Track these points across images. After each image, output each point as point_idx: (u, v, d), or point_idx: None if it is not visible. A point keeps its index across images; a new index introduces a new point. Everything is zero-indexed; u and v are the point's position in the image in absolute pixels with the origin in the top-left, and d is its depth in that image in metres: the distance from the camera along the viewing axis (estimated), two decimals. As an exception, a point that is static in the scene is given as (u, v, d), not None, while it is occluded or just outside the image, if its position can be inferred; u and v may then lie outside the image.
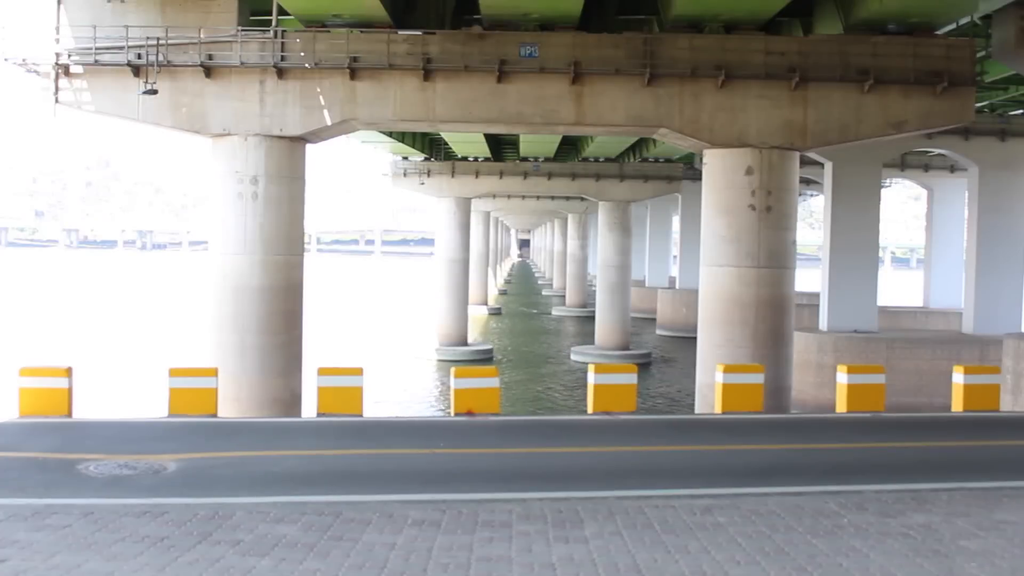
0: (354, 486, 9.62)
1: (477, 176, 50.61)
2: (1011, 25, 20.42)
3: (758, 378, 15.08)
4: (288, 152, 21.57)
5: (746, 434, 13.13)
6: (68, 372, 13.37)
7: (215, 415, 13.95)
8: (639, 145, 47.13)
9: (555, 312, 76.52)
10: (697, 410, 22.65)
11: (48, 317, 63.10)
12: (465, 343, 48.89)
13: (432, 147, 48.95)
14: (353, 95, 21.23)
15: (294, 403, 21.79)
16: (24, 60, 20.81)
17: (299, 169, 22.01)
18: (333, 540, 7.24)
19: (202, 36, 20.68)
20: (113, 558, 6.67)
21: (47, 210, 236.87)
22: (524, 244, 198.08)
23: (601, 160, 50.85)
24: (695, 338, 23.17)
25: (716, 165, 21.99)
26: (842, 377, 15.14)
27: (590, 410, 14.38)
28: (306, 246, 23.95)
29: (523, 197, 66.98)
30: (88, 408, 15.55)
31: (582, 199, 64.70)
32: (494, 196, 61.89)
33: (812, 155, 31.84)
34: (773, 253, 21.59)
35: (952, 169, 45.05)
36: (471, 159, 50.85)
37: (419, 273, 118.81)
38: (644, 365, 43.23)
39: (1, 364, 24.84)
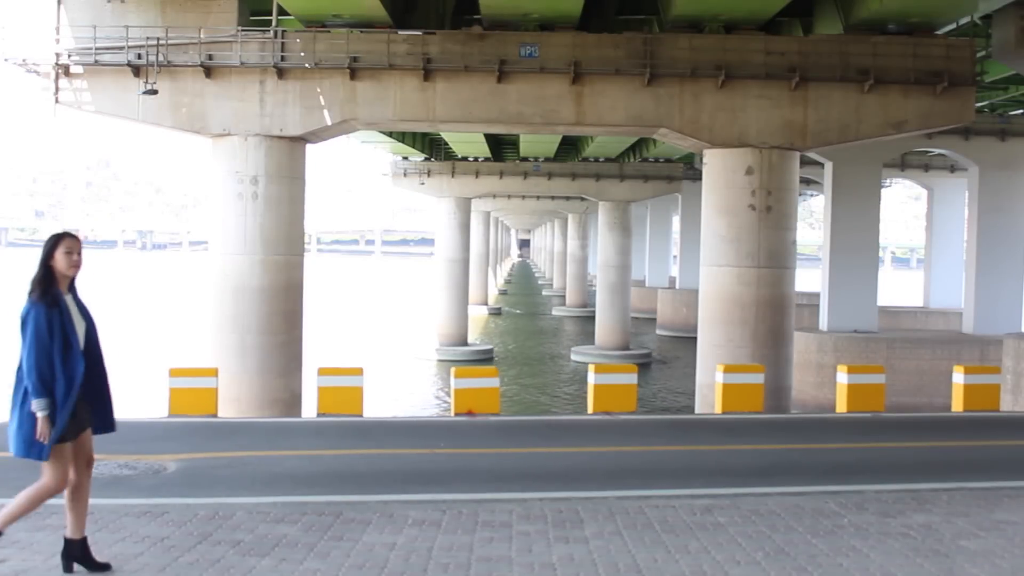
0: (354, 486, 9.62)
1: (477, 176, 50.60)
2: (1011, 25, 20.42)
3: (758, 378, 15.09)
4: (288, 152, 21.57)
5: (746, 434, 13.13)
6: (68, 372, 13.35)
7: (215, 415, 13.96)
8: (639, 145, 47.12)
9: (555, 312, 76.52)
10: (697, 410, 22.64)
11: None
12: (465, 343, 48.88)
13: (432, 147, 48.94)
14: (353, 95, 21.24)
15: (294, 403, 21.80)
16: (24, 60, 20.82)
17: (299, 169, 22.01)
18: (333, 540, 7.25)
19: (202, 36, 20.69)
20: (113, 558, 6.67)
21: (47, 210, 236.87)
22: (524, 244, 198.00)
23: (601, 160, 50.84)
24: (695, 338, 23.17)
25: (716, 165, 21.99)
26: (842, 377, 15.15)
27: (590, 410, 14.39)
28: (306, 246, 23.95)
29: (523, 197, 66.95)
30: (88, 408, 15.52)
31: (582, 199, 64.68)
32: (494, 196, 61.87)
33: (812, 155, 31.85)
34: (773, 253, 21.59)
35: (952, 169, 45.04)
36: (471, 159, 50.84)
37: (419, 273, 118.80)
38: (644, 365, 43.22)
39: (1, 365, 24.83)
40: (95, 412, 6.29)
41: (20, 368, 6.00)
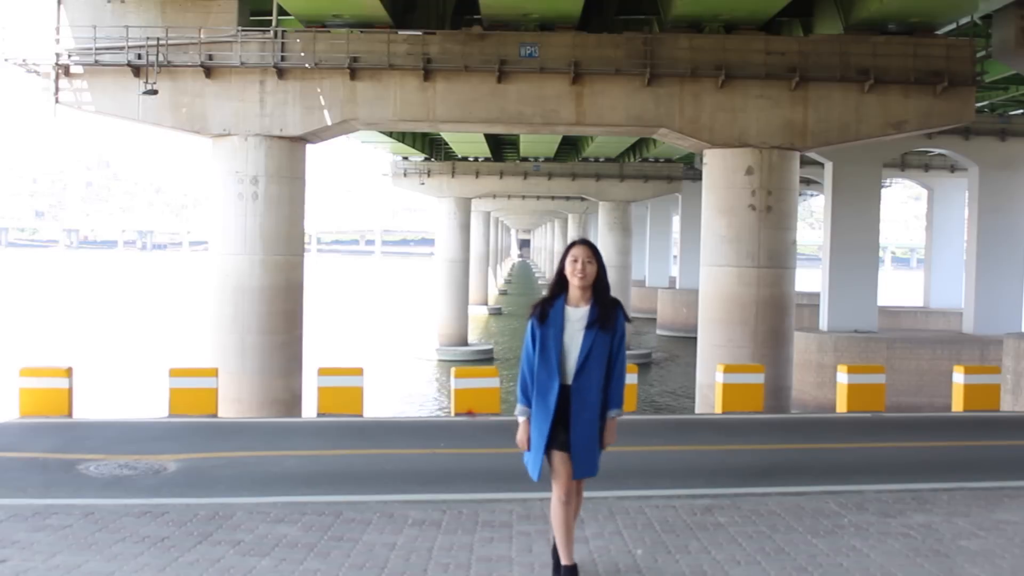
0: (354, 486, 9.61)
1: (477, 176, 50.59)
2: (1011, 25, 20.43)
3: (758, 378, 15.07)
4: (288, 152, 21.58)
5: (746, 434, 13.12)
6: (68, 372, 13.36)
7: (215, 415, 13.96)
8: (639, 145, 47.13)
9: (555, 312, 76.26)
10: (697, 410, 22.64)
11: (49, 317, 63.10)
12: (465, 343, 48.87)
13: (432, 147, 48.94)
14: (353, 95, 21.24)
15: (294, 403, 21.80)
16: (24, 60, 20.82)
17: (299, 169, 22.01)
18: (333, 540, 7.24)
19: (202, 36, 20.69)
20: (113, 558, 6.67)
21: (47, 210, 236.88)
22: (524, 244, 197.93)
23: (601, 160, 50.84)
24: (695, 338, 23.16)
25: (716, 165, 21.99)
26: (842, 377, 15.13)
27: (590, 410, 14.34)
28: (306, 246, 23.95)
29: (523, 197, 66.95)
30: (88, 408, 15.56)
31: (582, 199, 64.67)
32: (494, 196, 61.87)
33: (812, 155, 31.85)
34: (773, 253, 21.59)
35: (952, 169, 45.05)
36: (471, 159, 50.84)
37: (419, 273, 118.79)
38: (644, 365, 43.21)
39: (2, 364, 24.84)
40: (571, 444, 5.73)
41: None
